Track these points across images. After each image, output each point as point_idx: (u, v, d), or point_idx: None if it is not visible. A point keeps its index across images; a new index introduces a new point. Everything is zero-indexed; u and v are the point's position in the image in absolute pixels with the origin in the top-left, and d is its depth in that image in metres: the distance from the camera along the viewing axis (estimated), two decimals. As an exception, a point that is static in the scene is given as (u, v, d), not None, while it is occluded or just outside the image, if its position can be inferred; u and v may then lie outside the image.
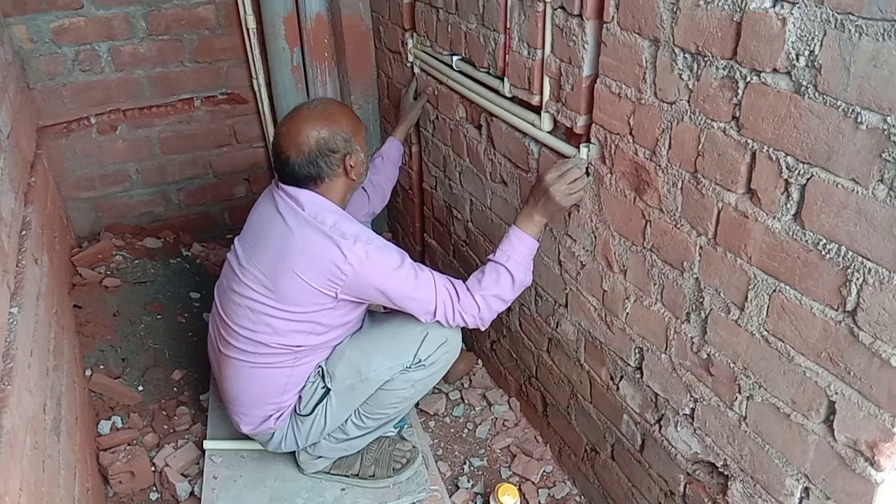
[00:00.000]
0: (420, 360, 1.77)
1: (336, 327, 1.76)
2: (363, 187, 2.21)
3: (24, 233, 1.88)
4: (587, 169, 1.58)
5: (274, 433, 1.86)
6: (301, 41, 2.78)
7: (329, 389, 1.79)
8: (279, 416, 1.83)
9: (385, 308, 1.80)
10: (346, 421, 1.85)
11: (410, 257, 1.72)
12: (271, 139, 3.05)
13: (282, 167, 1.72)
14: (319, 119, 1.71)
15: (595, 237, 1.63)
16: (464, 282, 1.74)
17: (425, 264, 1.75)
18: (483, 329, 1.79)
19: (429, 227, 2.71)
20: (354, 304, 1.74)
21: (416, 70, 2.39)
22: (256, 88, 3.00)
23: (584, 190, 1.62)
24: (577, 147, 1.59)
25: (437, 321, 1.73)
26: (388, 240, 1.78)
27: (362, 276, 1.63)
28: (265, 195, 1.82)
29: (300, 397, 1.82)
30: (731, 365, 1.30)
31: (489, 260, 1.75)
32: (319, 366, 1.80)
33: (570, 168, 1.59)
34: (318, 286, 1.64)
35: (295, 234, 1.65)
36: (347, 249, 1.61)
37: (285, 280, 1.66)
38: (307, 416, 1.81)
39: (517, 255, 1.72)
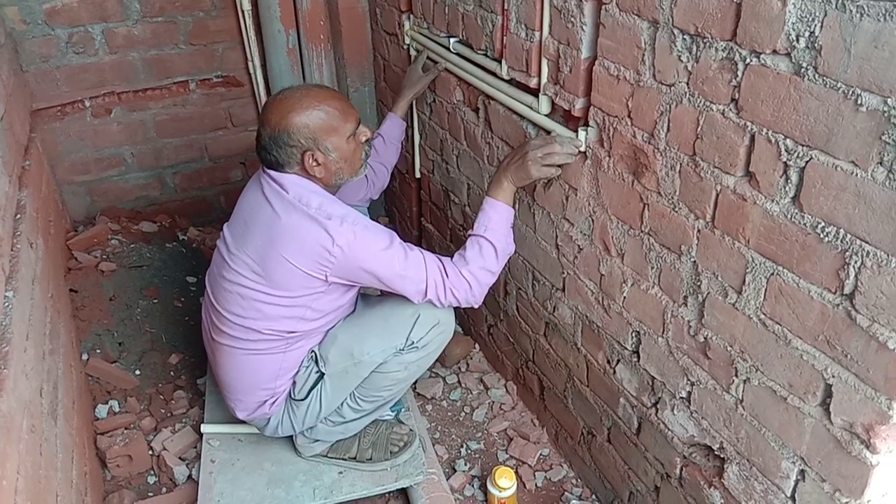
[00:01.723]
0: (413, 343, 1.76)
1: (327, 313, 1.76)
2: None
3: (18, 216, 1.87)
4: (586, 153, 1.57)
5: (270, 418, 1.86)
6: (297, 23, 2.75)
7: (323, 374, 1.78)
8: (274, 402, 1.83)
9: (380, 291, 1.80)
10: (342, 404, 1.85)
11: (402, 239, 1.71)
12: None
13: (256, 145, 1.72)
14: (289, 108, 1.65)
15: (593, 221, 1.62)
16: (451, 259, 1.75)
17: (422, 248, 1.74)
18: (476, 307, 1.79)
19: (426, 212, 2.71)
20: (345, 288, 1.73)
21: (413, 52, 2.37)
22: (252, 71, 2.98)
23: (559, 169, 1.64)
24: (576, 130, 1.58)
25: (430, 300, 1.73)
26: (385, 224, 1.77)
27: (351, 258, 1.62)
28: (253, 181, 1.81)
29: (294, 382, 1.82)
30: (728, 348, 1.30)
31: (469, 234, 1.76)
32: (312, 350, 1.80)
33: (555, 143, 1.60)
34: (308, 270, 1.63)
35: (282, 218, 1.64)
36: (335, 231, 1.60)
37: (275, 265, 1.65)
38: (302, 400, 1.81)
39: (494, 223, 1.73)
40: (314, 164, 1.68)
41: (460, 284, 1.72)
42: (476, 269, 1.72)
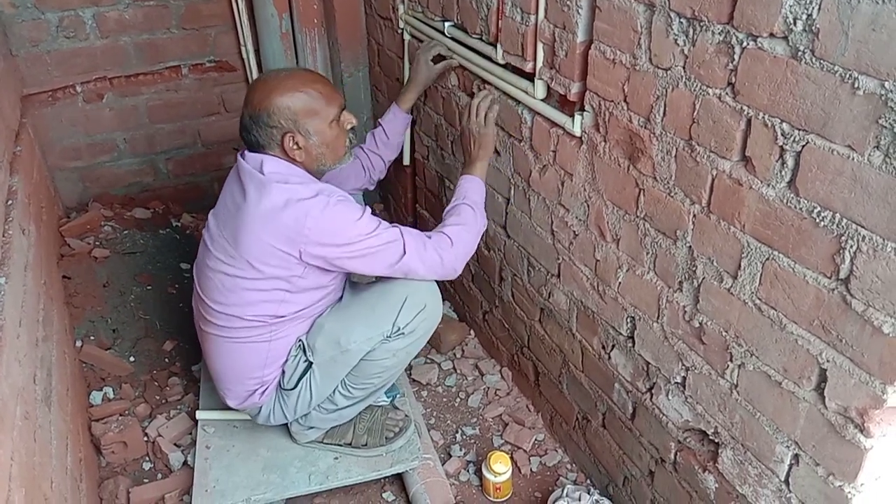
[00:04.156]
0: (399, 329, 1.74)
1: (308, 296, 1.73)
2: (360, 162, 2.17)
3: (10, 202, 1.86)
4: (582, 138, 1.56)
5: (261, 407, 1.86)
6: (290, 7, 2.73)
7: (311, 363, 1.77)
8: (264, 391, 1.82)
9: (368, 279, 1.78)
10: (334, 392, 1.84)
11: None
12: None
13: (239, 126, 1.73)
14: (271, 89, 1.65)
15: (588, 206, 1.62)
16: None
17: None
18: (457, 274, 1.78)
19: (421, 198, 2.70)
20: (322, 271, 1.70)
21: (407, 37, 2.35)
22: (245, 56, 2.95)
23: (493, 106, 1.85)
24: (571, 115, 1.57)
25: (410, 264, 1.68)
26: (380, 211, 1.76)
27: (325, 231, 1.60)
28: (234, 167, 1.79)
29: (283, 371, 1.81)
30: (723, 333, 1.30)
31: (445, 211, 1.84)
32: (300, 339, 1.79)
33: (477, 103, 1.84)
34: (282, 247, 1.60)
35: (255, 196, 1.61)
36: (309, 204, 1.58)
37: (250, 244, 1.62)
38: (292, 390, 1.80)
39: (469, 192, 1.83)
40: (294, 146, 1.67)
41: (442, 241, 1.73)
42: (453, 227, 1.77)
